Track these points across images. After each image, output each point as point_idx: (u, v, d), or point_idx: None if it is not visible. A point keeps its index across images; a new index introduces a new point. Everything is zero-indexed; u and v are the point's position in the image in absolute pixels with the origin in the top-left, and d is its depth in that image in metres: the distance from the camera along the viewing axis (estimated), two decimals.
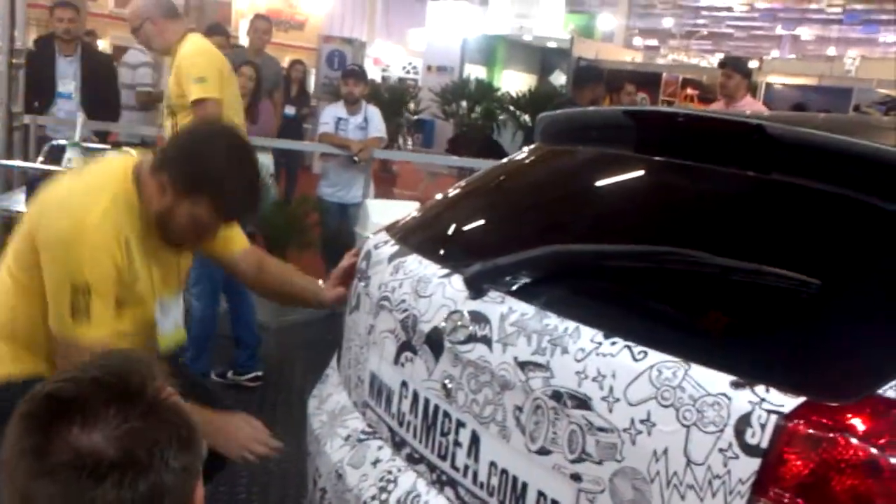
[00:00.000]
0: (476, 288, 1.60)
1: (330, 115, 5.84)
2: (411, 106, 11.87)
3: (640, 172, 1.69)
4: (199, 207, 1.88)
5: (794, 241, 1.37)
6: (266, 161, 5.70)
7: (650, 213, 1.59)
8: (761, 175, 1.44)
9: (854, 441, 1.12)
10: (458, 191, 2.10)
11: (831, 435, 1.14)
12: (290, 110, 7.83)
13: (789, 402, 1.16)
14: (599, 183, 1.75)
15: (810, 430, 1.14)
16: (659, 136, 1.69)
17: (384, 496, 1.69)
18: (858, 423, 1.14)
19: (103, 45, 12.60)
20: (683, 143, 1.63)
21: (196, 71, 3.46)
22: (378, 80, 14.94)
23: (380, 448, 1.82)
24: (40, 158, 4.41)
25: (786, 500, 1.14)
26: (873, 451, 1.12)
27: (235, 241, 2.34)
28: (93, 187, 1.93)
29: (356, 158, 5.64)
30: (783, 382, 1.18)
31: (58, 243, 1.84)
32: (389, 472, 1.74)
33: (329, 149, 5.77)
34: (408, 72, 17.14)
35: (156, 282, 2.03)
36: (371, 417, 1.90)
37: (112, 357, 0.99)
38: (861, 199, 1.33)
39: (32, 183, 3.55)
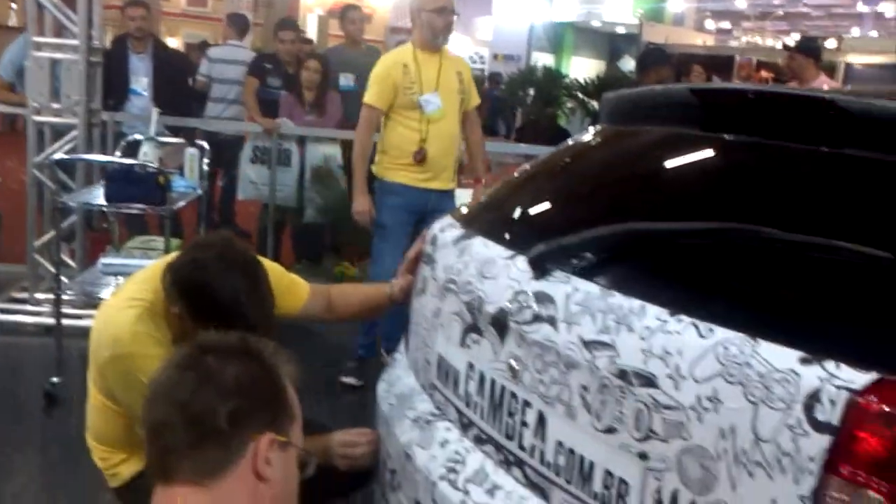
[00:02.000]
0: (540, 268, 1.60)
1: None
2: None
3: (706, 150, 1.67)
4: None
5: (864, 215, 1.33)
6: (334, 153, 5.78)
7: (716, 191, 1.56)
8: (832, 150, 1.41)
9: None
10: (522, 173, 2.10)
11: None
12: None
13: (860, 378, 1.13)
14: (663, 162, 1.73)
15: (883, 407, 1.12)
16: (725, 114, 1.66)
17: (452, 476, 1.71)
18: None
19: (175, 43, 12.91)
20: (751, 119, 1.60)
21: None
22: None
23: (447, 429, 1.84)
24: (117, 153, 4.56)
25: (859, 479, 1.12)
26: None
27: (298, 292, 2.37)
28: (122, 305, 2.02)
29: None
30: (854, 358, 1.15)
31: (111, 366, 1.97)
32: (457, 453, 1.76)
33: None
34: (475, 61, 17.15)
35: None
36: (438, 399, 1.92)
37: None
38: None
39: (111, 177, 3.66)
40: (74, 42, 4.63)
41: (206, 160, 4.40)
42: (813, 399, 1.15)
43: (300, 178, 5.75)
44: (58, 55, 4.66)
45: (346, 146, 5.92)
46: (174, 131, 5.32)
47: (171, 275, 1.92)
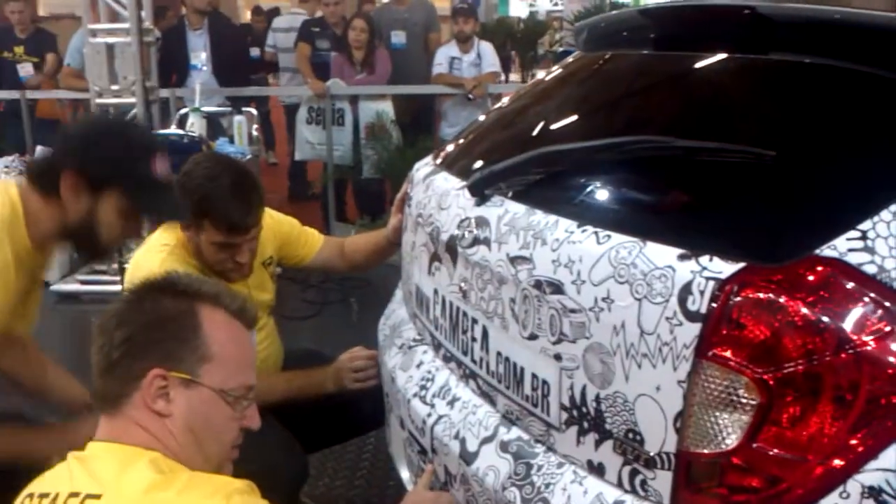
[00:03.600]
0: (479, 194, 1.71)
1: (443, 55, 5.98)
2: (547, 39, 11.76)
3: (637, 69, 1.73)
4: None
5: (747, 116, 1.38)
6: (386, 108, 5.93)
7: (631, 106, 1.63)
8: (720, 54, 1.46)
9: (790, 300, 1.17)
10: (487, 113, 2.20)
11: (767, 295, 1.18)
12: None
13: (728, 268, 1.20)
14: (592, 84, 1.80)
15: (748, 293, 1.19)
16: (669, 32, 1.72)
17: (423, 392, 1.86)
18: (794, 283, 1.17)
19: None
20: (681, 34, 1.65)
21: None
22: (524, 15, 14.83)
23: (424, 352, 1.98)
24: (173, 126, 4.83)
25: (727, 361, 1.20)
26: (808, 309, 1.16)
27: (311, 242, 2.54)
28: (150, 250, 2.16)
29: (471, 96, 5.76)
30: (726, 251, 1.23)
31: None
32: (429, 372, 1.90)
33: (445, 90, 5.92)
34: (555, 4, 16.90)
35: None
36: (419, 325, 2.05)
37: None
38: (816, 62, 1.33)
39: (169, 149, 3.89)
40: (126, 25, 4.90)
41: (255, 126, 4.62)
42: (686, 291, 1.23)
43: (355, 136, 5.93)
44: (112, 39, 4.94)
45: (398, 102, 6.07)
46: (235, 102, 5.57)
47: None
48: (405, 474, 2.10)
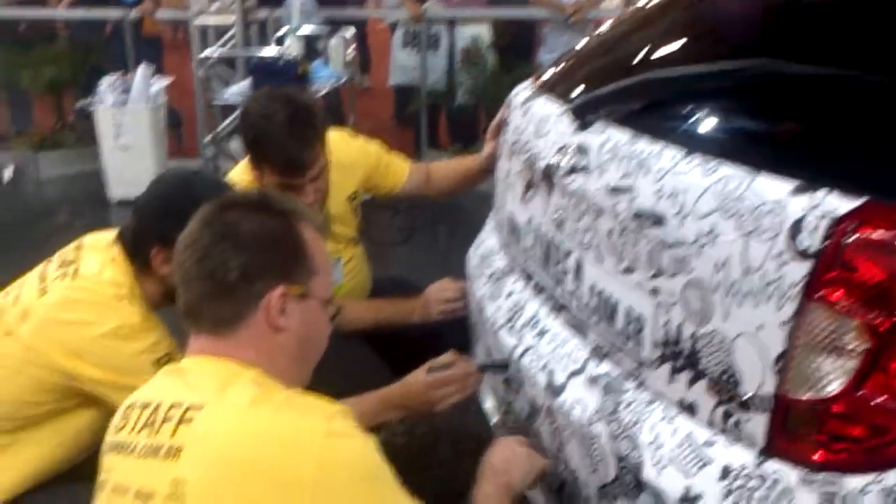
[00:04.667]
0: (581, 120, 1.65)
1: None
2: None
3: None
4: None
5: (875, 37, 1.28)
6: (482, 33, 5.81)
7: (744, 29, 1.53)
8: None
9: None
10: (589, 38, 2.10)
11: (886, 235, 1.10)
12: None
13: (844, 205, 1.13)
14: (700, 7, 1.70)
15: (865, 232, 1.11)
16: None
17: (511, 323, 1.83)
18: None
19: None
20: None
21: None
22: None
23: (514, 282, 1.95)
24: (270, 47, 4.84)
25: (836, 304, 1.13)
26: None
27: (398, 171, 2.47)
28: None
29: (571, 21, 5.59)
30: (844, 186, 1.15)
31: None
32: (517, 303, 1.87)
33: (545, 14, 5.76)
34: None
35: None
36: (510, 255, 2.02)
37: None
38: None
39: (254, 70, 3.92)
40: None
41: (351, 49, 4.59)
42: (797, 227, 1.16)
43: (450, 61, 5.85)
44: None
45: (496, 26, 5.93)
46: (332, 24, 5.54)
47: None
48: (488, 403, 2.10)
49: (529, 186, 1.84)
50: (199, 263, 1.25)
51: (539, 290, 1.81)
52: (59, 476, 1.72)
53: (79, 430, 1.70)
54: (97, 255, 1.74)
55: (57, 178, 6.13)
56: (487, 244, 2.21)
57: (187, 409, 1.18)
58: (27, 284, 1.75)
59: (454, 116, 6.17)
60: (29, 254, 4.92)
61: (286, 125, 1.98)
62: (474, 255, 2.25)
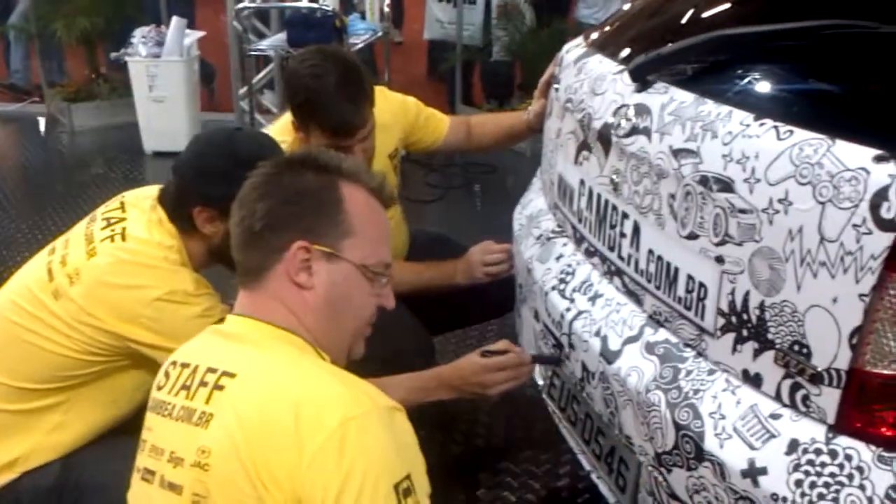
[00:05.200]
0: (641, 80, 1.59)
1: None
2: None
3: None
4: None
5: None
6: None
7: None
8: None
9: None
10: None
11: None
12: None
13: None
14: None
15: None
16: None
17: (562, 286, 1.80)
18: None
19: None
20: None
21: None
22: None
23: (564, 245, 1.91)
24: None
25: None
26: None
27: (438, 126, 2.43)
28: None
29: None
30: None
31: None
32: (569, 265, 1.83)
33: None
34: None
35: None
36: (559, 217, 1.98)
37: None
38: None
39: (291, 22, 3.86)
40: None
41: (386, 2, 4.52)
42: (880, 196, 1.11)
43: (486, 15, 5.75)
44: None
45: None
46: None
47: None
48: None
49: (583, 147, 1.79)
50: (238, 212, 1.27)
51: (591, 253, 1.77)
52: (113, 431, 1.72)
53: (132, 388, 1.70)
54: (142, 215, 1.72)
55: (91, 129, 6.13)
56: (535, 204, 2.17)
57: (221, 376, 1.17)
58: (73, 244, 1.73)
59: (489, 73, 6.08)
60: (67, 203, 4.95)
61: (338, 87, 1.95)
62: (521, 215, 2.21)
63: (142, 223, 1.69)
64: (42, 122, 6.44)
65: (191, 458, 1.13)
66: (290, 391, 1.12)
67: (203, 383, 1.18)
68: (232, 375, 1.16)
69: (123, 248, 1.65)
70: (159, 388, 1.26)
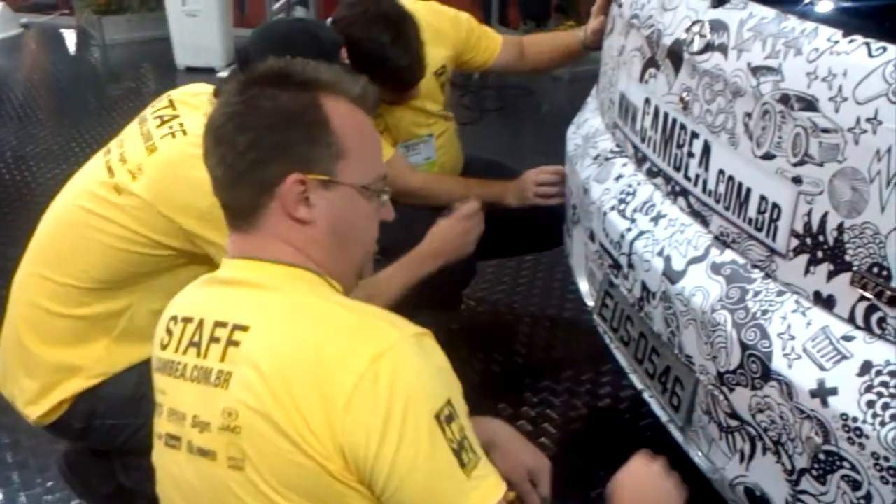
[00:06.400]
0: None
1: None
2: None
3: None
4: None
5: None
6: None
7: None
8: None
9: None
10: None
11: None
12: None
13: None
14: None
15: None
16: None
17: (622, 207, 1.79)
18: None
19: None
20: None
21: None
22: None
23: (624, 165, 1.89)
24: None
25: None
26: None
27: (490, 45, 2.38)
28: None
29: None
30: None
31: None
32: (629, 186, 1.82)
33: None
34: None
35: None
36: (619, 137, 1.96)
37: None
38: None
39: None
40: None
41: None
42: None
43: None
44: None
45: None
46: None
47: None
48: (584, 286, 2.08)
49: (650, 65, 1.76)
50: (215, 148, 1.14)
51: (654, 173, 1.76)
52: None
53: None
54: (195, 111, 1.72)
55: (122, 42, 6.10)
56: (591, 124, 2.14)
57: (233, 330, 1.08)
58: (129, 143, 1.72)
59: None
60: (101, 117, 4.96)
61: (394, 45, 1.97)
62: (576, 134, 2.18)
63: (197, 119, 1.68)
64: (72, 34, 6.38)
65: (217, 421, 1.06)
66: (310, 337, 1.05)
67: (214, 339, 1.10)
68: (244, 328, 1.08)
69: (185, 142, 1.65)
70: (164, 347, 1.18)
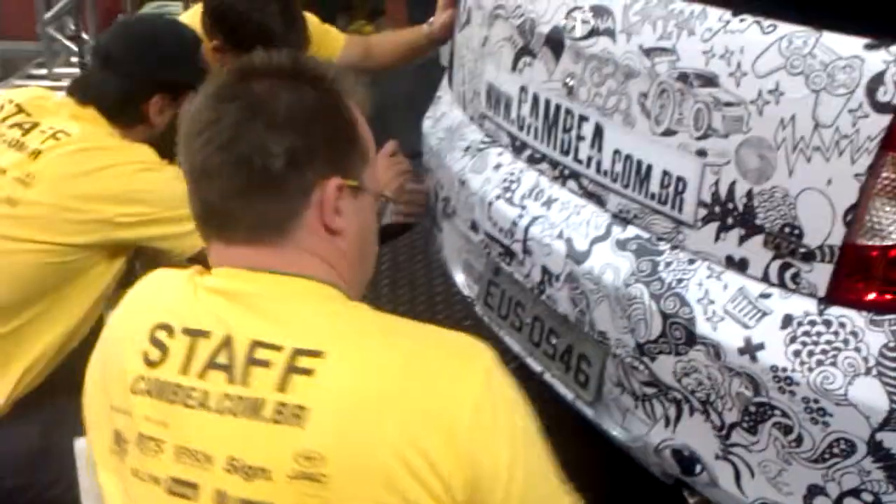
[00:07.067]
0: None
1: None
2: None
3: None
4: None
5: None
6: None
7: None
8: None
9: None
10: None
11: None
12: None
13: None
14: None
15: None
16: None
17: (509, 195, 1.81)
18: None
19: None
20: None
21: None
22: None
23: (500, 154, 1.92)
24: None
25: None
26: None
27: (333, 41, 2.38)
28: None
29: None
30: None
31: None
32: (511, 174, 1.84)
33: None
34: None
35: None
36: (489, 127, 1.98)
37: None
38: None
39: None
40: None
41: None
42: (876, 81, 1.20)
43: None
44: None
45: None
46: None
47: (207, 8, 2.03)
48: (460, 277, 2.09)
49: (523, 53, 1.79)
50: (227, 150, 0.96)
51: (537, 160, 1.79)
52: None
53: (107, 283, 1.66)
54: (56, 116, 1.66)
55: None
56: (452, 117, 2.14)
57: (296, 356, 0.91)
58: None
59: None
60: None
61: (283, 16, 1.96)
62: (435, 128, 2.18)
63: (70, 124, 1.64)
64: None
65: (285, 466, 0.88)
66: (408, 362, 0.92)
67: (256, 362, 0.91)
68: (317, 354, 0.90)
69: (76, 142, 1.61)
70: (154, 365, 0.96)
